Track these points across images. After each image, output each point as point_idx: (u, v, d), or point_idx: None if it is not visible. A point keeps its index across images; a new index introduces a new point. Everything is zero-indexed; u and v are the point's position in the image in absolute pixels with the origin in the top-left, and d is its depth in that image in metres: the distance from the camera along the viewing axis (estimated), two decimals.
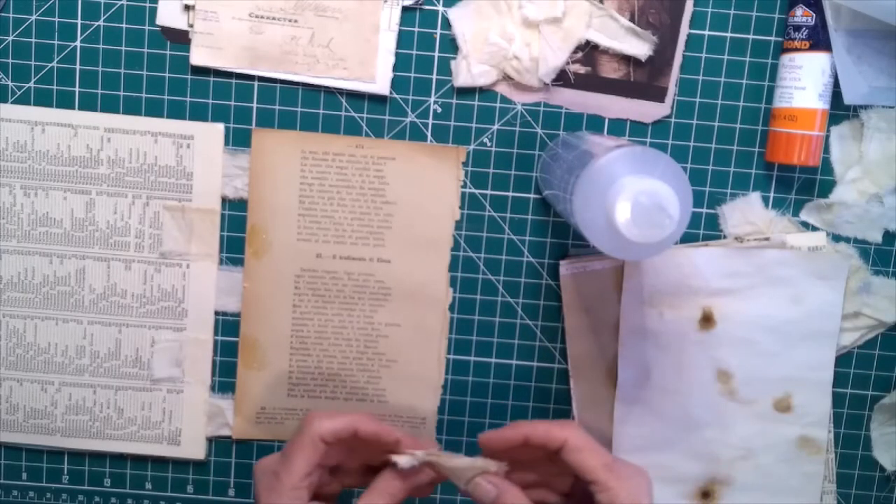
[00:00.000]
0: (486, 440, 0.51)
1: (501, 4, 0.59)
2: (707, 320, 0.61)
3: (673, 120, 0.61)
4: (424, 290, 0.62)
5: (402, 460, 0.49)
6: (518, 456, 0.51)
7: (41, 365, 0.63)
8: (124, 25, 0.59)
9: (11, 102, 0.60)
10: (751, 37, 0.60)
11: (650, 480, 0.50)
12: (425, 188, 0.61)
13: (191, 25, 0.59)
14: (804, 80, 0.57)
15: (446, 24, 0.59)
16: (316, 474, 0.49)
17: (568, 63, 0.59)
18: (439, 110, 0.61)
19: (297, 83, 0.60)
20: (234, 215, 0.62)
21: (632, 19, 0.59)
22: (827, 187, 0.62)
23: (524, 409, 0.64)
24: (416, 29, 0.60)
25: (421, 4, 0.59)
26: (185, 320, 0.62)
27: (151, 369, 0.63)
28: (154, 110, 0.60)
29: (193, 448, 0.64)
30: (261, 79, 0.60)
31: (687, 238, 0.61)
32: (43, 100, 0.60)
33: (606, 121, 0.61)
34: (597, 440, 0.50)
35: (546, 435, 0.49)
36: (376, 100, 0.60)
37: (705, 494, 0.63)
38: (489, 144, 0.61)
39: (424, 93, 0.60)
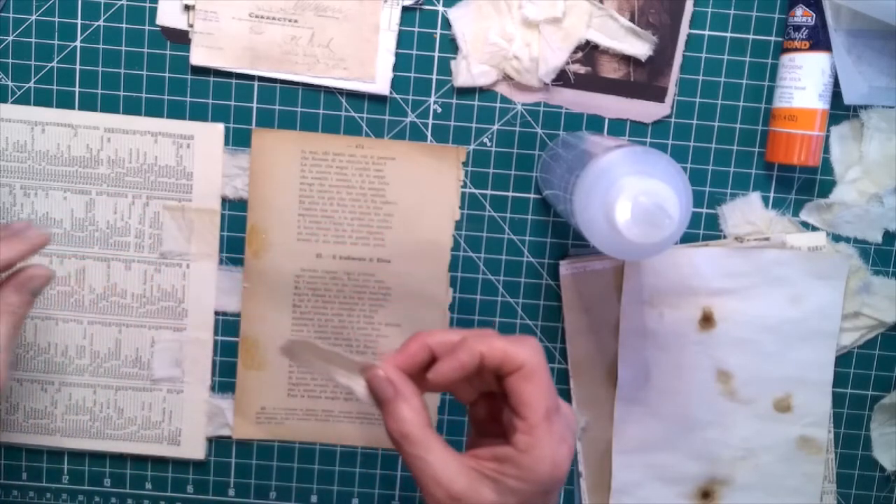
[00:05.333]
0: (436, 377, 0.43)
1: (501, 4, 0.59)
2: (707, 320, 0.61)
3: (673, 120, 0.61)
4: (424, 290, 0.62)
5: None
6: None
7: (41, 365, 0.63)
8: (124, 25, 0.59)
9: (11, 102, 0.60)
10: (751, 37, 0.60)
11: (573, 451, 0.43)
12: (425, 188, 0.61)
13: (191, 25, 0.59)
14: (804, 80, 0.57)
15: (446, 24, 0.59)
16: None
17: (568, 63, 0.59)
18: (439, 110, 0.61)
19: (297, 83, 0.60)
20: (234, 215, 0.62)
21: (632, 19, 0.59)
22: (827, 187, 0.62)
23: None
24: (416, 29, 0.60)
25: (421, 4, 0.59)
26: (185, 320, 0.62)
27: (151, 369, 0.63)
28: (154, 110, 0.60)
29: (193, 448, 0.64)
30: (261, 79, 0.60)
31: (687, 238, 0.61)
32: (43, 100, 0.60)
33: (606, 121, 0.61)
34: (548, 368, 0.43)
35: (503, 357, 0.42)
36: (376, 100, 0.60)
37: (705, 494, 0.63)
38: (489, 144, 0.61)
39: (424, 93, 0.60)
